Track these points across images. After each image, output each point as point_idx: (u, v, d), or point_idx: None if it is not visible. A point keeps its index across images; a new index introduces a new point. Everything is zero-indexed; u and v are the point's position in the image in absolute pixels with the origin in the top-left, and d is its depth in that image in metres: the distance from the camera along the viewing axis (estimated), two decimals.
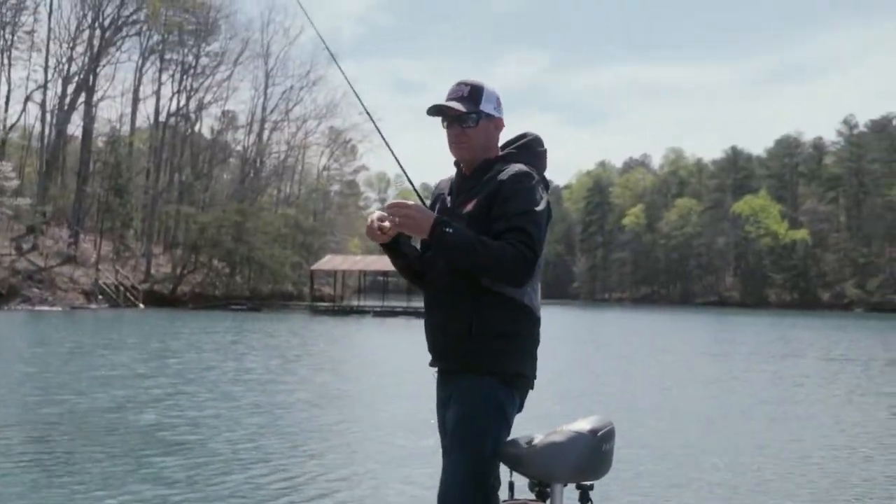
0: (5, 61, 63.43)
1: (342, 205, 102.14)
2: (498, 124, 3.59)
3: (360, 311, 59.09)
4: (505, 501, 3.46)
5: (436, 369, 3.60)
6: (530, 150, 3.60)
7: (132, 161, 70.94)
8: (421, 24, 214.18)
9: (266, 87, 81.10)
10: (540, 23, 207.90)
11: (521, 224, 3.27)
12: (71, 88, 65.43)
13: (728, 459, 9.92)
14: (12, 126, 66.00)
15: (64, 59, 65.21)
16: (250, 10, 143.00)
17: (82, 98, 66.11)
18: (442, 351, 3.51)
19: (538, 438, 3.27)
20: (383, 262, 71.59)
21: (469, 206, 3.43)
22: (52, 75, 64.65)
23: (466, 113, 3.48)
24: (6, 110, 64.19)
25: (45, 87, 64.58)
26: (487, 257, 3.20)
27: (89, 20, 66.17)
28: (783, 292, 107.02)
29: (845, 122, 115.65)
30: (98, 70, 67.04)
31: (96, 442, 10.07)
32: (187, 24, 73.79)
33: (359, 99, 3.91)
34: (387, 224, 3.33)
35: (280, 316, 51.81)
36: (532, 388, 3.53)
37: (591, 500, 3.35)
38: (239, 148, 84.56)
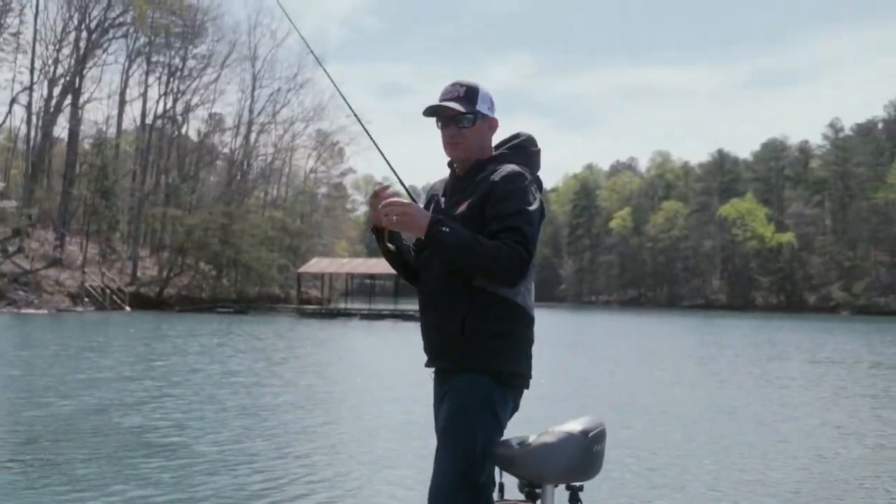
0: None
1: (329, 207, 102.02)
2: (492, 125, 3.61)
3: (348, 314, 59.01)
4: (495, 502, 3.46)
5: (432, 370, 3.61)
6: (524, 150, 3.62)
7: (118, 163, 70.68)
8: (407, 27, 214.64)
9: (253, 89, 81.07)
10: (526, 27, 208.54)
11: (514, 224, 3.28)
12: (57, 90, 65.20)
13: (714, 461, 9.95)
14: None
15: (50, 61, 65.04)
16: (237, 12, 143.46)
17: (68, 100, 65.85)
18: (437, 351, 3.52)
19: (530, 439, 3.27)
20: (370, 265, 71.69)
21: (462, 207, 3.44)
22: (38, 77, 64.50)
23: (464, 113, 3.49)
24: None
25: (30, 89, 64.38)
26: (483, 256, 3.22)
27: (75, 22, 65.99)
28: (769, 295, 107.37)
29: (831, 125, 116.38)
30: (84, 72, 66.84)
31: (81, 444, 10.03)
32: (174, 26, 73.65)
33: (346, 102, 3.91)
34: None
35: (267, 318, 51.72)
36: (528, 387, 3.53)
37: (580, 500, 3.36)
38: (226, 150, 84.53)
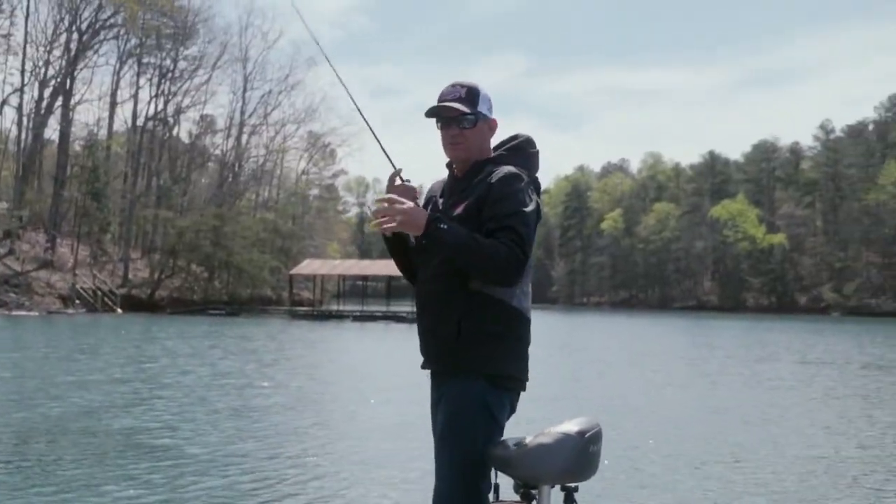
0: None
1: (321, 209, 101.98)
2: (492, 126, 3.61)
3: (340, 316, 59.00)
4: (491, 503, 3.46)
5: (428, 371, 3.61)
6: (522, 151, 3.61)
7: (109, 165, 70.54)
8: (398, 28, 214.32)
9: (244, 91, 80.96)
10: (517, 28, 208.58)
11: (511, 224, 3.28)
12: (48, 92, 64.99)
13: (705, 461, 9.99)
14: None
15: (41, 63, 64.77)
16: (229, 14, 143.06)
17: (59, 102, 65.65)
18: (433, 353, 3.52)
19: (526, 440, 3.27)
20: (362, 267, 71.68)
21: (459, 209, 3.45)
22: (29, 79, 64.21)
23: (466, 114, 3.49)
24: None
25: (21, 90, 64.13)
26: (481, 254, 3.22)
27: (66, 23, 65.75)
28: (761, 296, 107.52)
29: (822, 127, 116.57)
30: (75, 74, 66.60)
31: (72, 445, 10.02)
32: (165, 27, 73.47)
33: (351, 97, 3.86)
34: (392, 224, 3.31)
35: (259, 320, 51.65)
36: (524, 389, 3.53)
37: (575, 501, 3.36)
38: (217, 152, 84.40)
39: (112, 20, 68.71)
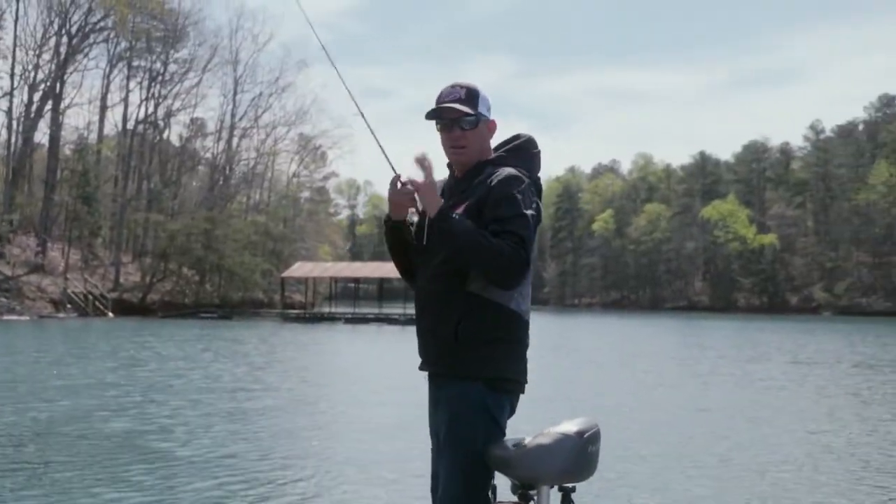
0: None
1: (312, 211, 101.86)
2: (491, 127, 3.60)
3: (332, 318, 58.93)
4: None
5: (426, 373, 3.59)
6: (523, 151, 3.61)
7: (100, 169, 70.40)
8: (388, 31, 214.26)
9: (235, 93, 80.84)
10: (506, 29, 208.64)
11: (511, 227, 3.27)
12: (37, 96, 64.82)
13: (697, 460, 10.02)
14: None
15: (30, 67, 64.59)
16: (219, 16, 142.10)
17: (49, 105, 65.48)
18: (432, 354, 3.51)
19: (525, 441, 3.27)
20: (354, 269, 71.65)
21: (459, 210, 3.42)
22: (19, 83, 64.03)
23: (468, 114, 3.49)
24: None
25: (11, 94, 63.89)
26: (488, 249, 3.20)
27: (56, 27, 65.54)
28: (752, 296, 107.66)
29: (812, 127, 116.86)
30: (65, 77, 66.42)
31: (64, 449, 10.01)
32: (155, 30, 73.34)
33: (351, 96, 3.85)
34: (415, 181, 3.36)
35: (250, 323, 51.58)
36: (523, 391, 3.53)
37: (572, 501, 3.37)
38: (208, 155, 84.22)
39: (102, 23, 68.55)
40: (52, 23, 65.42)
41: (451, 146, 3.54)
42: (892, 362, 26.74)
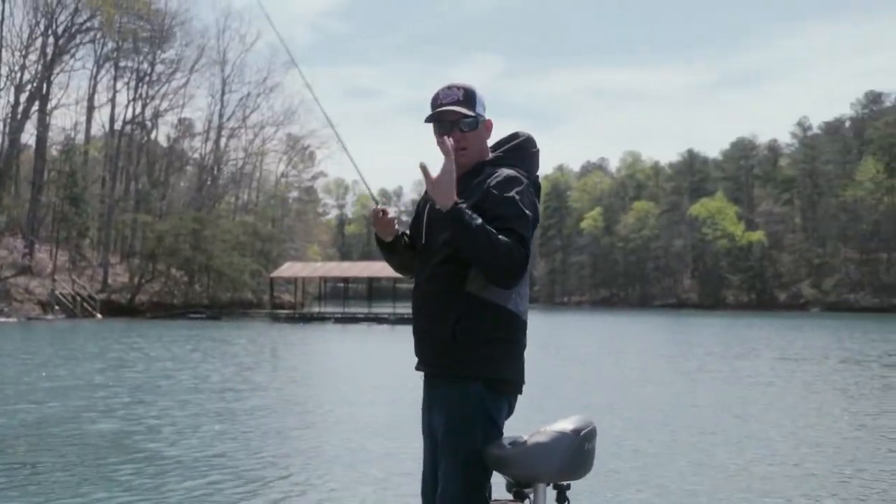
0: None
1: (301, 211, 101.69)
2: (488, 127, 3.60)
3: (321, 318, 58.87)
4: None
5: (422, 373, 3.59)
6: (522, 151, 3.61)
7: (87, 170, 70.16)
8: (374, 30, 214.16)
9: (223, 94, 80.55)
10: (494, 28, 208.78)
11: (511, 227, 3.27)
12: (24, 97, 64.54)
13: (687, 457, 10.05)
14: None
15: (16, 68, 64.29)
16: (206, 16, 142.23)
17: (36, 106, 65.24)
18: (428, 354, 3.51)
19: (522, 439, 3.28)
20: (343, 269, 71.55)
21: None
22: (5, 83, 63.74)
23: (469, 116, 3.49)
24: None
25: None
26: (496, 243, 3.20)
27: (42, 28, 65.27)
28: (740, 293, 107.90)
29: (799, 124, 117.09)
30: (52, 78, 66.16)
31: (54, 451, 9.99)
32: (142, 31, 73.07)
33: (319, 104, 3.89)
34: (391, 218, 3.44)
35: (240, 324, 51.50)
36: (521, 392, 3.53)
37: (567, 499, 3.38)
38: (196, 155, 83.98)
39: (88, 24, 68.29)
40: (38, 23, 65.17)
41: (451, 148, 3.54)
42: (880, 358, 26.84)
